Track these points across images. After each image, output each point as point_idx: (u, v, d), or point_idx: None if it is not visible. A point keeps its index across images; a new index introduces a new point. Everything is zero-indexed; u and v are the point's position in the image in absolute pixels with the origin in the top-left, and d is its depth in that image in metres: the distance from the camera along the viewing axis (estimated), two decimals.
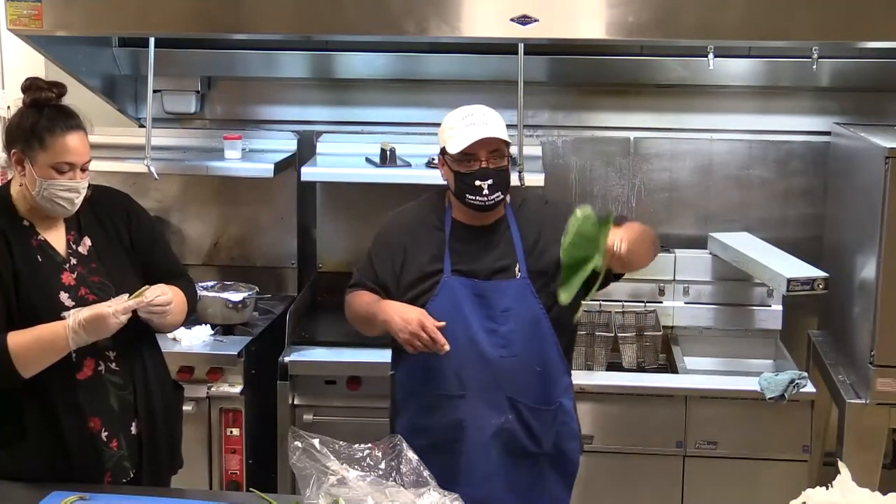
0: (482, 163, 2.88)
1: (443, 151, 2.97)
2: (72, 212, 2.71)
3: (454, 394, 2.94)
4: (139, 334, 2.77)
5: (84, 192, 2.71)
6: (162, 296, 2.67)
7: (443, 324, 2.84)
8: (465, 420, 2.94)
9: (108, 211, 2.83)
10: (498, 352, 2.93)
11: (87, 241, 2.77)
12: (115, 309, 2.57)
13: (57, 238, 2.74)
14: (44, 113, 2.64)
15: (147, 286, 2.69)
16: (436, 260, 2.97)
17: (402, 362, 3.03)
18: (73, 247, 2.75)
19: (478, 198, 2.90)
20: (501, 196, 2.93)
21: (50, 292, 2.67)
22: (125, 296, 2.64)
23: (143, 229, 2.89)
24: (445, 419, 2.95)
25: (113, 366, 2.74)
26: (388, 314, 2.89)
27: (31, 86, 2.68)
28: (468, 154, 2.88)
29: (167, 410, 2.89)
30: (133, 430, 2.78)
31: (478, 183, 2.88)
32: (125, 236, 2.83)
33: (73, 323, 2.56)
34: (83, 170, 2.68)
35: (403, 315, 2.86)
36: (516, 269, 2.95)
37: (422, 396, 2.99)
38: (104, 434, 2.72)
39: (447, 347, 2.83)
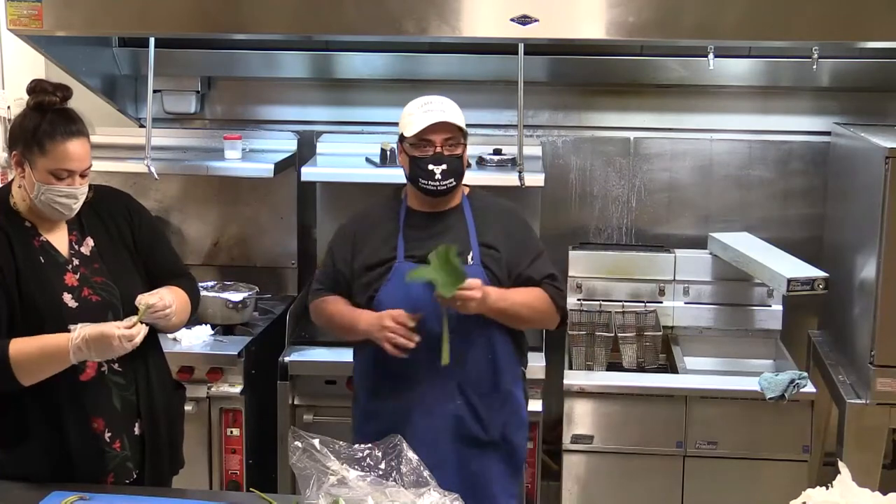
0: (437, 148, 2.97)
1: (401, 138, 3.05)
2: (70, 216, 2.70)
3: (403, 377, 2.99)
4: None
5: (83, 198, 2.69)
6: (160, 302, 2.66)
7: (418, 316, 2.91)
8: (414, 404, 2.99)
9: (109, 211, 2.82)
10: (449, 336, 2.94)
11: (90, 242, 2.76)
12: (122, 334, 2.52)
13: (59, 239, 2.73)
14: (46, 117, 2.61)
15: (143, 300, 2.64)
16: (389, 246, 3.05)
17: (357, 349, 3.13)
18: (76, 247, 2.74)
19: (430, 182, 2.98)
20: (454, 183, 3.01)
21: (53, 293, 2.65)
22: (133, 318, 2.59)
23: (144, 228, 2.88)
24: (395, 403, 3.01)
25: (115, 366, 2.72)
26: (367, 323, 2.97)
27: (35, 88, 2.66)
28: (424, 139, 2.97)
29: (169, 410, 2.88)
30: (136, 430, 2.78)
31: (431, 167, 2.96)
32: (127, 236, 2.82)
33: (78, 339, 2.53)
34: (83, 175, 2.66)
35: (378, 319, 2.95)
36: (469, 256, 3.01)
37: (372, 380, 3.06)
38: (107, 435, 2.71)
39: (416, 338, 2.90)
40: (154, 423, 2.80)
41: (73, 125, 2.63)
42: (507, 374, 3.07)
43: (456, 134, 3.00)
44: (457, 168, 3.00)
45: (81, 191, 2.67)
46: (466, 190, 3.16)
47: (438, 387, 2.99)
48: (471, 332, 2.99)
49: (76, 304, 2.67)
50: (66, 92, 2.68)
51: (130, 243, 2.82)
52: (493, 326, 3.02)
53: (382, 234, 3.08)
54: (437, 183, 2.98)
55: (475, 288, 2.89)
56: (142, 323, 2.59)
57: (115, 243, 2.79)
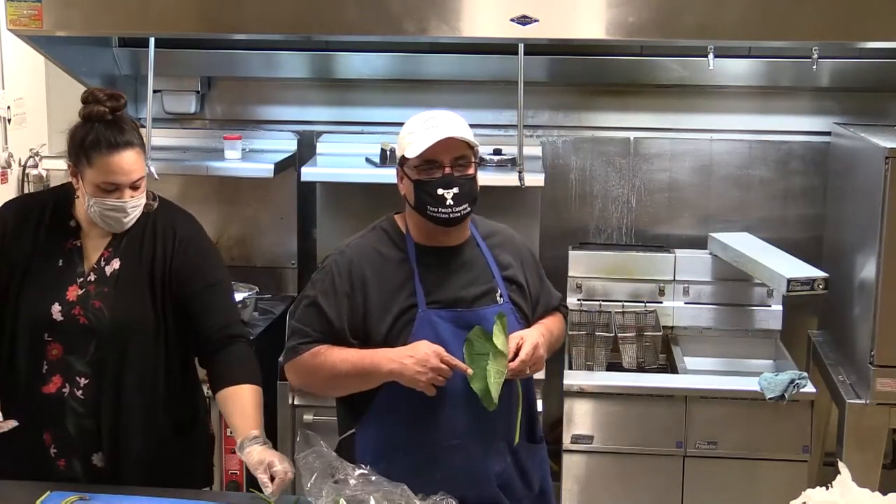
0: (445, 170, 2.52)
1: (401, 161, 2.59)
2: (124, 228, 2.62)
3: (447, 444, 2.54)
4: (144, 373, 2.64)
5: (135, 211, 2.60)
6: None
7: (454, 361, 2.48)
8: (464, 474, 2.54)
9: (156, 231, 2.68)
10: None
11: (116, 264, 2.65)
12: None
13: (94, 248, 2.65)
14: (95, 128, 2.53)
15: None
16: (406, 294, 2.56)
17: (363, 422, 2.59)
18: (101, 263, 2.64)
19: (441, 209, 2.52)
20: (469, 208, 2.55)
21: (45, 300, 2.60)
22: None
23: (187, 260, 2.68)
24: (436, 477, 2.47)
25: (79, 393, 2.61)
26: (396, 361, 2.47)
27: (88, 98, 2.57)
28: (430, 160, 2.52)
29: (156, 461, 2.67)
30: (95, 461, 2.65)
31: (440, 192, 2.51)
32: (160, 263, 2.66)
33: None
34: (134, 187, 2.57)
35: (415, 355, 2.46)
36: (497, 294, 2.62)
37: (399, 455, 2.53)
38: (53, 450, 2.64)
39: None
40: (118, 465, 2.64)
41: (120, 136, 2.54)
42: (538, 420, 2.77)
43: (466, 152, 2.55)
44: (470, 191, 2.54)
45: (132, 204, 2.58)
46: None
47: (488, 447, 2.58)
48: (514, 379, 2.58)
49: (62, 318, 2.60)
50: (117, 102, 2.57)
51: (161, 274, 2.66)
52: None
53: (395, 281, 2.57)
54: (450, 210, 2.51)
55: (529, 344, 2.52)
56: None
57: (141, 271, 2.65)
